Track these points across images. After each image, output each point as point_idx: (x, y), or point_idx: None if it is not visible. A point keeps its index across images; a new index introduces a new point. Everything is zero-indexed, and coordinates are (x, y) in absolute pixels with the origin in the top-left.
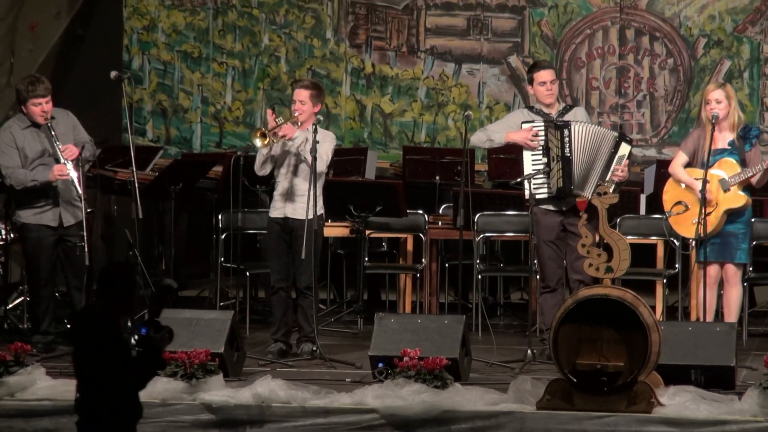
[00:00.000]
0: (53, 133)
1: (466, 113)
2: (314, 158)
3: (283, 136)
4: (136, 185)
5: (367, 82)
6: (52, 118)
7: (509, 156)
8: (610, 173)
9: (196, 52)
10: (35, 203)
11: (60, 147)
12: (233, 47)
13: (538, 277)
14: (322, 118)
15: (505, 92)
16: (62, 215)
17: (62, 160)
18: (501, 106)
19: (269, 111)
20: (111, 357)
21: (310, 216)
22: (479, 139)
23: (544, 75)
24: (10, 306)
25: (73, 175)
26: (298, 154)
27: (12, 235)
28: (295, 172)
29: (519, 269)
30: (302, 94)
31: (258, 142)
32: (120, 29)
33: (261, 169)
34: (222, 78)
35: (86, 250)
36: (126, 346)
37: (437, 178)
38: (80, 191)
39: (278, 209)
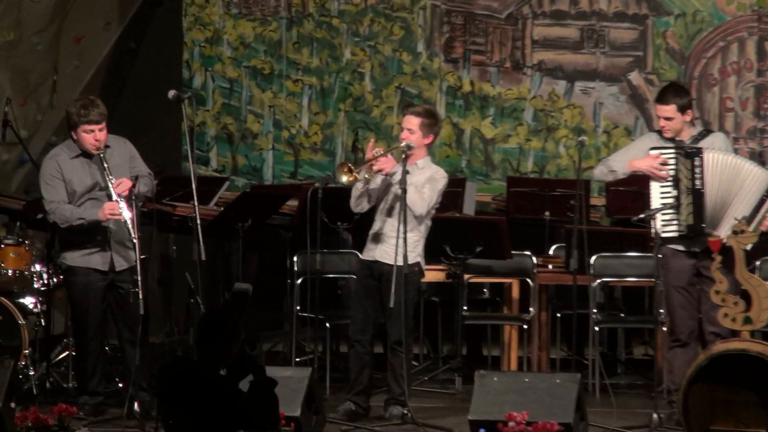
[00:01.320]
0: (106, 165)
1: (579, 139)
2: (404, 190)
3: (379, 171)
4: (198, 222)
5: (465, 102)
6: (106, 146)
7: (631, 188)
8: (757, 221)
9: (267, 68)
10: (83, 244)
11: (113, 181)
12: (310, 62)
13: (665, 328)
14: (413, 145)
15: (624, 114)
16: (114, 258)
17: (114, 197)
18: (620, 130)
19: (370, 142)
20: (211, 413)
21: (400, 260)
22: (601, 172)
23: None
24: (54, 361)
25: (126, 215)
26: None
27: (55, 280)
28: (390, 212)
29: (643, 320)
30: (412, 122)
31: (344, 179)
32: (179, 42)
33: (357, 205)
34: (297, 98)
35: (141, 297)
36: (231, 400)
37: (547, 213)
38: (133, 233)
39: (369, 250)
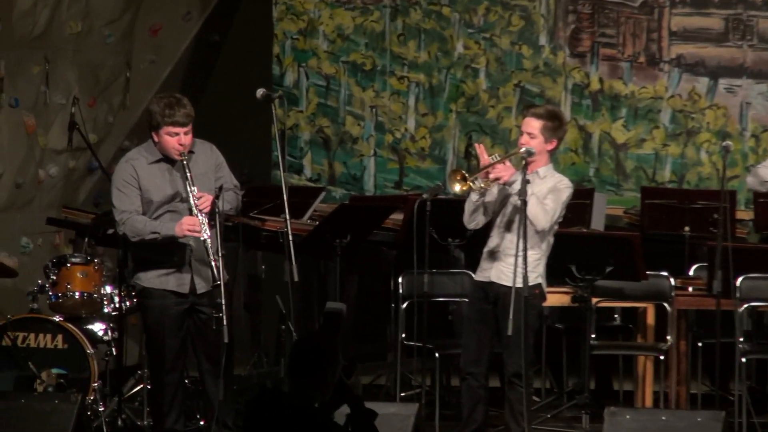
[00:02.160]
0: (189, 173)
1: (724, 144)
2: (524, 202)
3: (496, 180)
4: (290, 238)
5: (594, 102)
6: (190, 152)
7: None
8: None
9: (369, 64)
10: (159, 262)
11: (195, 192)
12: (417, 57)
13: None
14: (534, 151)
15: None
16: (194, 279)
17: (194, 211)
18: None
19: (479, 146)
20: None
21: (519, 281)
22: (752, 183)
23: None
24: (127, 396)
25: (206, 233)
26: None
27: (128, 304)
28: (508, 227)
29: None
30: (532, 125)
31: (457, 188)
32: (269, 34)
33: (471, 221)
34: (402, 97)
35: (224, 323)
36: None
37: (686, 229)
38: (212, 253)
39: (484, 270)
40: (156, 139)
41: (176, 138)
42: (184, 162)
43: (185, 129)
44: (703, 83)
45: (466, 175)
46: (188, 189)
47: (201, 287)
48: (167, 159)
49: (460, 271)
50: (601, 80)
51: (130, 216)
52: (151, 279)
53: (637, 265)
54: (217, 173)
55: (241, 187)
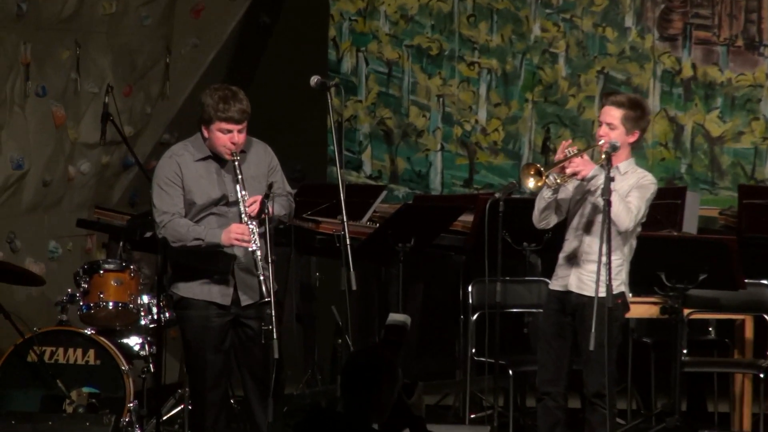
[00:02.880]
0: (240, 175)
1: None
2: (607, 202)
3: (573, 175)
4: (348, 242)
5: (686, 91)
6: (242, 152)
7: None
8: None
9: (435, 48)
10: (200, 270)
11: (246, 197)
12: (489, 41)
13: None
14: (618, 144)
15: None
16: (238, 290)
17: (244, 218)
18: None
19: (564, 142)
20: None
21: (602, 290)
22: None
23: None
24: (166, 417)
25: (256, 244)
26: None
27: (168, 315)
28: (588, 228)
29: None
30: (612, 114)
31: (530, 184)
32: (324, 15)
33: (541, 219)
34: (473, 85)
35: (275, 337)
36: None
37: None
38: (260, 265)
39: (560, 278)
40: (206, 134)
41: (229, 136)
42: (236, 162)
43: (239, 126)
44: None
45: (541, 169)
46: (239, 193)
47: (246, 299)
48: (216, 157)
49: (536, 279)
50: (693, 66)
51: (172, 218)
52: (191, 288)
53: (734, 272)
54: (270, 177)
55: (293, 185)
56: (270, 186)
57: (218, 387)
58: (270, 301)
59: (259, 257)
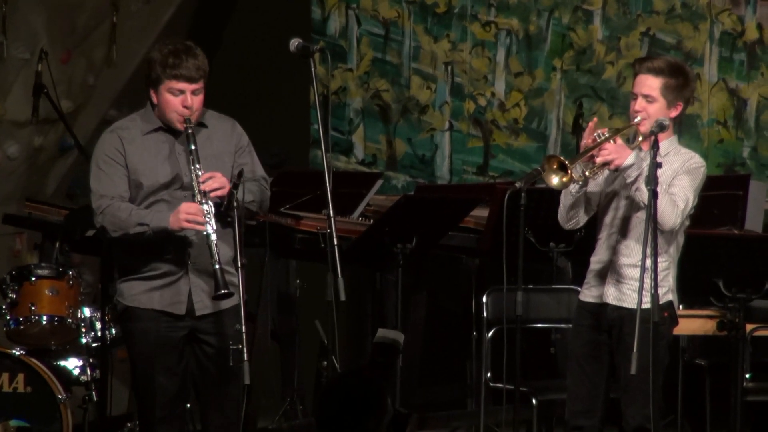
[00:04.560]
0: (193, 146)
1: None
2: (653, 193)
3: (605, 165)
4: (336, 242)
5: (750, 57)
6: (201, 124)
7: None
8: None
9: (442, 5)
10: (147, 272)
11: (200, 172)
12: None
13: None
14: (666, 123)
15: None
16: (193, 295)
17: (197, 196)
18: None
19: (591, 125)
20: None
21: (645, 302)
22: None
23: None
24: None
25: (210, 227)
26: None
27: (114, 332)
28: (626, 226)
29: None
30: (650, 84)
31: (554, 181)
32: None
33: (568, 219)
34: (489, 50)
35: (245, 358)
36: None
37: None
38: (216, 253)
39: (593, 288)
40: (155, 99)
41: (181, 98)
42: (189, 131)
43: (194, 86)
44: None
45: (565, 162)
46: (191, 166)
47: (202, 307)
48: (169, 129)
49: (566, 287)
50: (760, 27)
51: (111, 203)
52: (136, 296)
53: None
54: (237, 158)
55: (270, 173)
56: (240, 173)
57: (171, 418)
58: (241, 309)
59: (214, 242)
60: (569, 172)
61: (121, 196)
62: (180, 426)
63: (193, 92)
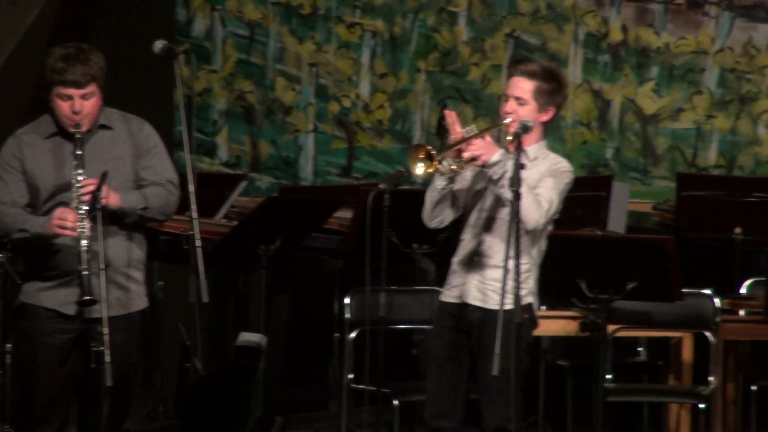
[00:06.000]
0: (79, 152)
1: None
2: (516, 194)
3: (472, 160)
4: (199, 244)
5: (614, 59)
6: (105, 127)
7: None
8: None
9: (308, 6)
10: (46, 269)
11: (80, 178)
12: None
13: None
14: (531, 124)
15: None
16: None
17: (74, 202)
18: None
19: (449, 112)
20: None
21: (508, 302)
22: None
23: None
24: None
25: (84, 232)
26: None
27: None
28: (488, 226)
29: None
30: (523, 86)
31: (419, 170)
32: None
33: (433, 217)
34: (353, 52)
35: (107, 360)
36: None
37: (738, 231)
38: (84, 258)
39: (455, 288)
40: (52, 105)
41: (69, 103)
42: (77, 136)
43: (82, 91)
44: (763, 32)
45: (433, 152)
46: (73, 173)
47: (93, 310)
48: (65, 133)
49: (428, 289)
50: (624, 29)
51: (1, 208)
52: (33, 293)
53: (670, 280)
54: (142, 160)
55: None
56: (103, 175)
57: (49, 422)
58: (104, 312)
59: (84, 248)
60: (435, 162)
61: (14, 201)
62: (61, 427)
63: (83, 97)
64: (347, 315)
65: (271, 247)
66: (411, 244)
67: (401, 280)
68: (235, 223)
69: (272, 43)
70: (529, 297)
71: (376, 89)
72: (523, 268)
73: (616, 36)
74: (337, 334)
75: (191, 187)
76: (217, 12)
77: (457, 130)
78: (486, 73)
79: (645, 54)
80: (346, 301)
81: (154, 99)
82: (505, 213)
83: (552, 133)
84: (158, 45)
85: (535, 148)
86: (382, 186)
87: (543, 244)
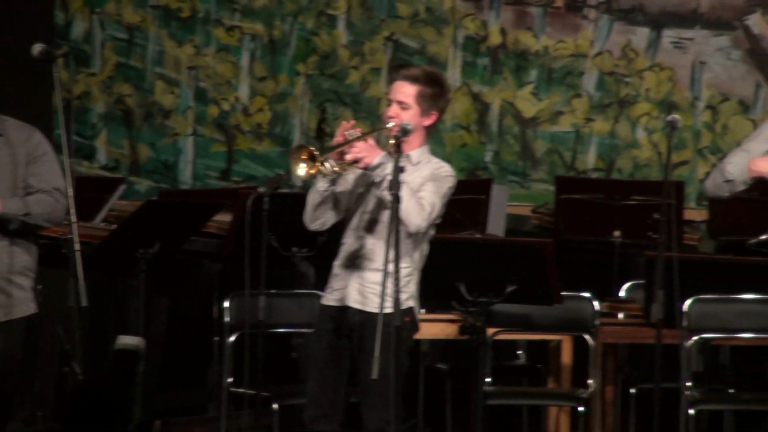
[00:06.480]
0: None
1: (669, 118)
2: (395, 197)
3: (354, 163)
4: (77, 248)
5: (493, 62)
6: None
7: (749, 196)
8: None
9: (187, 9)
10: None
11: None
12: (252, 1)
13: None
14: (410, 128)
15: (740, 79)
16: None
17: None
18: (732, 104)
19: (345, 123)
20: None
21: (387, 306)
22: (714, 181)
23: None
24: None
25: None
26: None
27: None
28: (370, 229)
29: (764, 398)
30: (405, 91)
31: (301, 171)
32: None
33: (315, 218)
34: (233, 55)
35: None
36: None
37: (617, 234)
38: None
39: (336, 291)
40: None
41: None
42: None
43: None
44: (641, 36)
45: (315, 153)
46: None
47: None
48: None
49: (308, 292)
50: (503, 32)
51: None
52: None
53: (549, 283)
54: (31, 168)
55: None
56: None
57: None
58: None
59: None
60: (317, 164)
61: None
62: None
63: None
64: (226, 318)
65: (150, 250)
66: (290, 247)
67: (281, 284)
68: (114, 226)
69: (151, 47)
70: (410, 301)
71: (256, 92)
72: (405, 271)
73: (495, 39)
74: (216, 338)
75: (70, 191)
76: (96, 15)
77: (341, 133)
78: (365, 76)
79: (524, 57)
80: (226, 304)
81: (32, 102)
82: (386, 216)
83: (431, 137)
84: (37, 48)
85: (418, 152)
86: (261, 189)
87: (425, 247)
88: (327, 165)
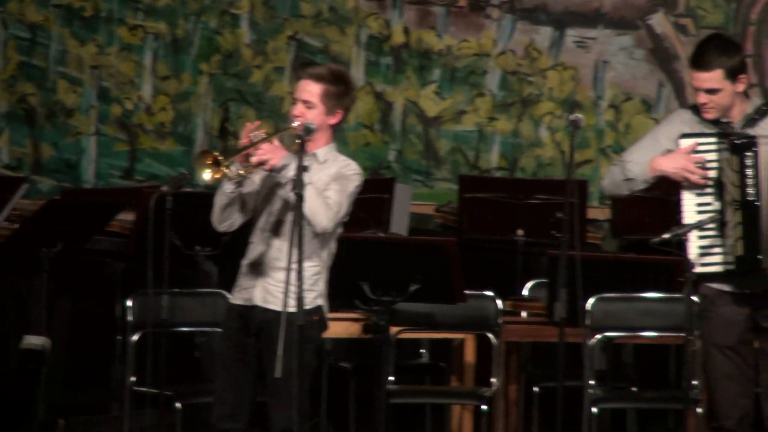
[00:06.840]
0: None
1: (572, 117)
2: (299, 196)
3: (260, 165)
4: None
5: (396, 61)
6: None
7: (650, 195)
8: None
9: (89, 8)
10: None
11: None
12: (155, 0)
13: (701, 410)
14: (313, 127)
15: (643, 79)
16: None
17: None
18: (635, 103)
19: (249, 125)
20: None
21: (292, 305)
22: (613, 180)
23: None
24: None
25: None
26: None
27: None
28: (276, 230)
29: (666, 397)
30: (310, 90)
31: (206, 176)
32: None
33: (222, 220)
34: (136, 54)
35: None
36: None
37: (520, 233)
38: None
39: (243, 290)
40: None
41: None
42: None
43: None
44: (545, 35)
45: (220, 158)
46: None
47: None
48: None
49: (211, 291)
50: (406, 31)
51: None
52: None
53: (452, 281)
54: None
55: None
56: None
57: None
58: None
59: None
60: (222, 168)
61: None
62: None
63: None
64: (129, 317)
65: (53, 249)
66: (194, 246)
67: (184, 283)
68: (16, 226)
69: (54, 46)
70: (319, 299)
71: (159, 92)
72: (313, 270)
73: (398, 38)
74: (119, 337)
75: None
76: None
77: (245, 135)
78: (268, 75)
79: (427, 56)
80: (128, 303)
81: None
82: (293, 216)
83: (335, 137)
84: None
85: (324, 150)
86: (164, 188)
87: (333, 246)
88: (232, 168)
